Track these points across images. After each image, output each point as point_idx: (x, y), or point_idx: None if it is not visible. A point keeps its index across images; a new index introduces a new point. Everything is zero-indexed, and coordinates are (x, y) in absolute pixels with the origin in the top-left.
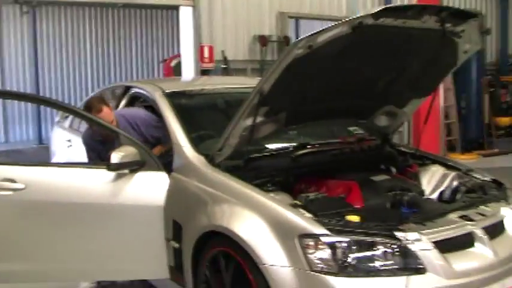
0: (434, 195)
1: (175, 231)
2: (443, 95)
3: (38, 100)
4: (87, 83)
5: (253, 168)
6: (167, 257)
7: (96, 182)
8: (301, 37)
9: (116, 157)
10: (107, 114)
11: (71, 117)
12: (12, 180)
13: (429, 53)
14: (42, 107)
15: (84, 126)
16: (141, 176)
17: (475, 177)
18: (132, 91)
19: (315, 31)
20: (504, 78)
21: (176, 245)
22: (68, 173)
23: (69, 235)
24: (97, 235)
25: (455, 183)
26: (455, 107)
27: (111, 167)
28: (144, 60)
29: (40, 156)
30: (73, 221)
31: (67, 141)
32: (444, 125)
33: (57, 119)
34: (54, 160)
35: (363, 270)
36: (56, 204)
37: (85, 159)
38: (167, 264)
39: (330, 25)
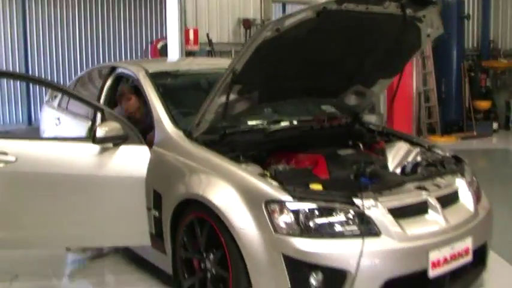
0: (398, 169)
1: (156, 200)
2: (424, 78)
3: (33, 80)
4: (76, 64)
5: (228, 143)
6: (148, 225)
7: (83, 155)
8: (270, 21)
9: (100, 131)
10: (134, 103)
11: (59, 96)
12: (4, 153)
13: (393, 36)
14: (31, 88)
15: (72, 105)
16: (124, 149)
17: (437, 153)
18: (118, 71)
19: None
20: (484, 63)
21: (156, 213)
22: (56, 146)
23: (57, 204)
24: (83, 204)
25: (418, 158)
26: (436, 90)
27: (96, 141)
28: (131, 42)
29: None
30: (61, 191)
31: (56, 120)
32: (425, 108)
33: (46, 98)
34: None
35: (323, 232)
36: (45, 175)
37: (73, 135)
38: (148, 231)
39: None
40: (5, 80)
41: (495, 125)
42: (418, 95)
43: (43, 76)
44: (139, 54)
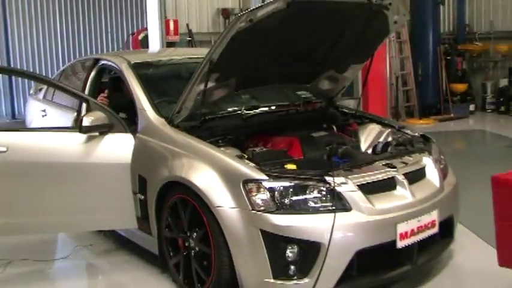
0: (370, 149)
1: (141, 184)
2: (402, 62)
3: (23, 74)
4: (58, 55)
5: (208, 128)
6: (134, 208)
7: (70, 144)
8: (243, 12)
9: (87, 121)
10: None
11: (44, 89)
12: None
13: (362, 23)
14: (14, 82)
15: (57, 97)
16: (110, 137)
17: (406, 133)
18: (101, 63)
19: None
20: (460, 47)
21: (142, 197)
22: (45, 136)
23: (47, 192)
24: (72, 191)
25: (389, 138)
26: (413, 74)
27: (82, 130)
28: (112, 34)
29: None
30: (51, 179)
31: (41, 111)
32: (402, 91)
33: (31, 91)
34: None
35: (297, 208)
36: (35, 164)
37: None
38: (135, 215)
39: None
40: None
41: (472, 107)
42: (395, 79)
43: (24, 67)
44: (120, 45)
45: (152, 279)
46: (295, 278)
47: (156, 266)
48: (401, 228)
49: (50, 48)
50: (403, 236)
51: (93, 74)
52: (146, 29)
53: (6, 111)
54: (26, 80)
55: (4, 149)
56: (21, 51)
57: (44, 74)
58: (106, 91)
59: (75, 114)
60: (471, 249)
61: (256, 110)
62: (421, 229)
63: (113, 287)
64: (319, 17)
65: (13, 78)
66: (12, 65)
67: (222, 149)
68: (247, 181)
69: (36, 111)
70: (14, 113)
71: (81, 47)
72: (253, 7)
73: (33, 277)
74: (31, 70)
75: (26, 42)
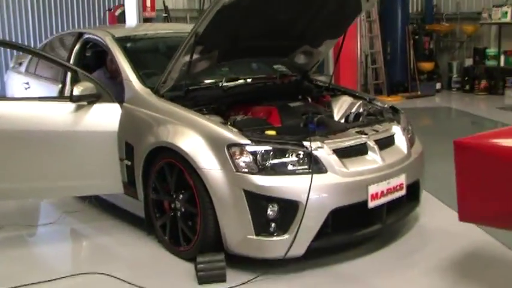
0: (343, 119)
1: (128, 151)
2: (371, 41)
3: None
4: (29, 31)
5: (192, 98)
6: (121, 174)
7: (59, 113)
8: None
9: (76, 90)
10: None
11: (26, 62)
12: None
13: (336, 1)
14: None
15: (40, 69)
16: (98, 107)
17: (377, 105)
18: (85, 37)
19: None
20: (428, 27)
21: (129, 163)
22: (36, 105)
23: (37, 158)
24: (61, 158)
25: (360, 109)
26: (382, 53)
27: (73, 99)
28: (86, 10)
29: None
30: (41, 146)
31: (24, 84)
32: (371, 69)
33: (11, 65)
34: None
35: (277, 170)
36: (26, 132)
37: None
38: (121, 180)
39: None
40: None
41: (438, 85)
42: (365, 58)
43: None
44: (97, 21)
45: (139, 241)
46: (276, 234)
47: (142, 229)
48: (372, 189)
49: (26, 24)
50: (374, 196)
51: (77, 47)
52: (123, 5)
53: None
54: (2, 56)
55: None
56: None
57: (16, 51)
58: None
59: (60, 85)
60: (435, 213)
61: (236, 82)
62: (390, 191)
63: (99, 250)
64: None
65: None
66: None
67: (206, 116)
68: (231, 145)
69: (17, 84)
70: None
71: (58, 23)
72: None
73: (21, 241)
74: (2, 50)
75: None
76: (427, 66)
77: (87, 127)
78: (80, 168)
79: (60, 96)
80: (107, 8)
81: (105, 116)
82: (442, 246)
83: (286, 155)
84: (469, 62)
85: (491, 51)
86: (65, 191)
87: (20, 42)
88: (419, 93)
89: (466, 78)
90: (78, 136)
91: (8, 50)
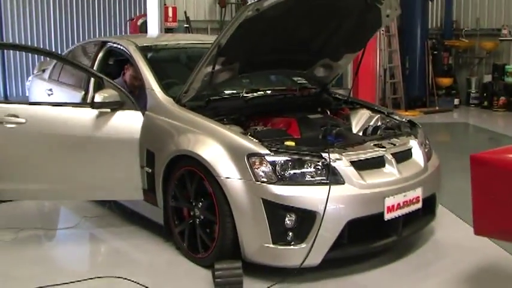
0: (361, 132)
1: (149, 158)
2: (390, 55)
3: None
4: (51, 38)
5: (213, 108)
6: (141, 181)
7: (83, 119)
8: (251, 1)
9: (98, 97)
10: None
11: (49, 68)
12: (16, 116)
13: (357, 16)
14: (6, 64)
15: (63, 76)
16: (120, 114)
17: (395, 119)
18: (108, 45)
19: None
20: (447, 42)
21: (149, 170)
22: (60, 110)
23: (61, 161)
24: (84, 162)
25: (378, 122)
26: (400, 67)
27: (94, 105)
28: (110, 20)
29: None
30: (65, 150)
31: (48, 91)
32: (390, 84)
33: (35, 71)
34: None
35: (296, 180)
36: (51, 136)
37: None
38: (141, 187)
39: None
40: None
41: (456, 101)
42: (383, 72)
43: (18, 52)
44: (118, 31)
45: (157, 247)
46: (293, 243)
47: (161, 235)
48: (389, 201)
49: (44, 33)
50: (390, 209)
51: (100, 56)
52: (145, 15)
53: None
54: (19, 62)
55: (23, 120)
56: (15, 34)
57: (37, 57)
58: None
59: (83, 92)
60: (450, 227)
61: (257, 93)
62: (406, 204)
63: (118, 255)
64: (319, 9)
65: (5, 60)
66: (5, 52)
67: (227, 126)
68: (251, 155)
69: (41, 90)
70: (7, 95)
71: (79, 32)
72: None
73: (40, 244)
74: (24, 53)
75: (20, 25)
76: (446, 81)
77: (110, 133)
78: (101, 173)
79: (83, 103)
80: (128, 18)
81: (128, 123)
82: (456, 260)
83: (305, 166)
84: (487, 78)
85: (511, 67)
86: (86, 194)
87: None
88: (437, 108)
89: (485, 94)
90: (100, 141)
91: (30, 56)
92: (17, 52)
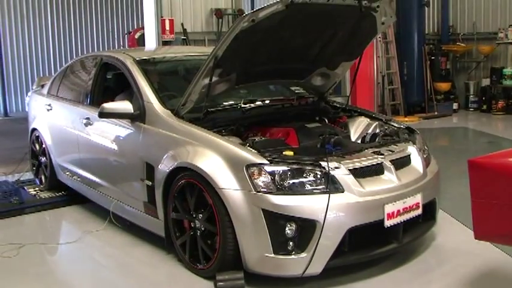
0: (360, 140)
1: (148, 171)
2: (388, 62)
3: None
4: (49, 54)
5: (211, 119)
6: (142, 194)
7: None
8: (246, 13)
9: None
10: None
11: (48, 85)
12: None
13: (352, 24)
14: (6, 81)
15: (61, 91)
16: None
17: (393, 125)
18: (105, 60)
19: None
20: (444, 47)
21: (149, 183)
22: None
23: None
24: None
25: (376, 130)
26: (398, 73)
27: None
28: (108, 33)
29: (7, 127)
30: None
31: (47, 106)
32: (388, 90)
33: (34, 87)
34: (35, 123)
35: (295, 190)
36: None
37: (65, 118)
38: (142, 200)
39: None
40: None
41: (455, 106)
42: (382, 78)
43: (17, 65)
44: (116, 44)
45: (159, 260)
46: (294, 252)
47: (162, 248)
48: (389, 208)
49: (42, 46)
50: (390, 215)
51: (98, 70)
52: (143, 28)
53: None
54: (18, 78)
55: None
56: (13, 50)
57: (36, 73)
58: None
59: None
60: (451, 232)
61: (255, 104)
62: (406, 210)
63: (120, 268)
64: (314, 18)
65: (5, 77)
66: (4, 64)
67: (225, 137)
68: (250, 165)
69: (40, 105)
70: (7, 111)
71: (78, 46)
72: (254, 9)
73: (44, 258)
74: (23, 69)
75: (18, 41)
76: (444, 86)
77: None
78: None
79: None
80: (126, 31)
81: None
82: (458, 265)
83: (304, 175)
84: (486, 82)
85: (508, 70)
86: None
87: (40, 64)
88: (436, 113)
89: (483, 98)
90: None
91: (30, 72)
92: (16, 68)
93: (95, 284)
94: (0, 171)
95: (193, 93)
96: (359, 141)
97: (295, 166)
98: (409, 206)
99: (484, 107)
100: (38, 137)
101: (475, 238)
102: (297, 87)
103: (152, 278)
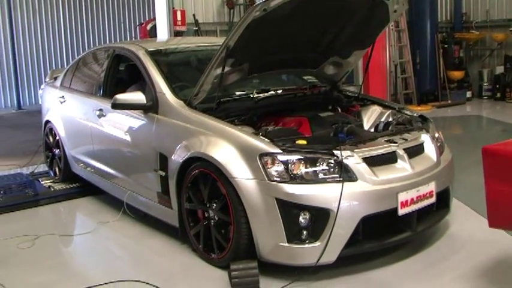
0: (372, 128)
1: (162, 162)
2: (400, 50)
3: None
4: (62, 46)
5: (223, 110)
6: (155, 184)
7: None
8: (258, 2)
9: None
10: None
11: (60, 77)
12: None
13: (364, 12)
14: (19, 74)
15: (74, 83)
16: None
17: (406, 114)
18: (117, 51)
19: None
20: (457, 35)
21: (163, 174)
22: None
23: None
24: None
25: (389, 118)
26: (411, 62)
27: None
28: (117, 24)
29: (20, 120)
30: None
31: (60, 98)
32: (401, 79)
33: (47, 80)
34: (48, 116)
35: (309, 179)
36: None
37: (78, 110)
38: (155, 190)
39: None
40: None
41: (469, 94)
42: (394, 67)
43: (29, 59)
44: (128, 36)
45: (173, 250)
46: (307, 241)
47: (176, 238)
48: (402, 197)
49: (54, 39)
50: (404, 204)
51: (110, 61)
52: (154, 19)
53: (12, 103)
54: (31, 71)
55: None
56: (26, 43)
57: (48, 65)
58: None
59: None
60: (465, 220)
61: (267, 93)
62: (420, 198)
63: (134, 259)
64: (326, 7)
65: (18, 70)
66: (17, 58)
67: (238, 127)
68: (263, 155)
69: (53, 98)
70: (20, 104)
71: (89, 38)
72: None
73: (59, 249)
74: (35, 61)
75: (31, 34)
76: (457, 74)
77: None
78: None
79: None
80: (138, 23)
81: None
82: (472, 253)
83: (317, 164)
84: (500, 69)
85: None
86: None
87: (52, 56)
88: (449, 102)
89: (497, 86)
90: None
91: (42, 65)
92: (29, 61)
93: (109, 275)
94: (15, 164)
95: (206, 83)
96: (372, 130)
97: (308, 155)
98: (423, 195)
99: (498, 95)
100: (51, 129)
101: (490, 226)
102: (310, 77)
103: (166, 268)
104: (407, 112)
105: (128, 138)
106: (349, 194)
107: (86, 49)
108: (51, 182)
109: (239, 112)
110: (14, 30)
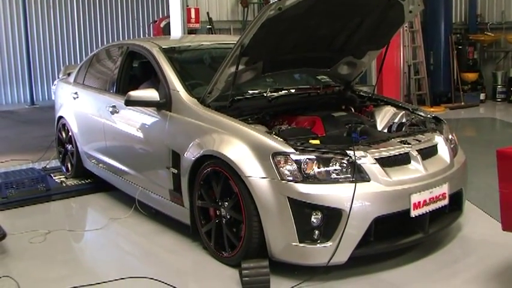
0: (386, 129)
1: (174, 159)
2: (414, 51)
3: None
4: (75, 42)
5: (237, 108)
6: (167, 182)
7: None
8: (273, 1)
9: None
10: None
11: (74, 73)
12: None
13: (379, 12)
14: (32, 70)
15: (88, 79)
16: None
17: (419, 115)
18: (131, 48)
19: None
20: (472, 37)
21: (175, 171)
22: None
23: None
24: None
25: (403, 119)
26: (425, 63)
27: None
28: (130, 22)
29: (34, 115)
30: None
31: (73, 94)
32: (414, 80)
33: (60, 76)
34: (61, 111)
35: (321, 179)
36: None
37: (91, 106)
38: (167, 188)
39: None
40: (7, 61)
41: (482, 96)
42: (408, 68)
43: (43, 54)
44: (141, 33)
45: (184, 247)
46: (319, 241)
47: (187, 235)
48: (415, 198)
49: (68, 35)
50: (416, 205)
51: (124, 58)
52: (168, 17)
53: (25, 98)
54: (44, 67)
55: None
56: (39, 38)
57: (62, 62)
58: None
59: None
60: (478, 223)
61: (281, 92)
62: (432, 200)
63: (145, 255)
64: (341, 6)
65: (31, 65)
66: (30, 54)
67: (251, 125)
68: (276, 154)
69: (67, 94)
70: (33, 99)
71: (103, 34)
72: None
73: (71, 245)
74: (49, 57)
75: (44, 30)
76: (471, 76)
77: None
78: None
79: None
80: (151, 20)
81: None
82: (484, 256)
83: (330, 164)
84: None
85: None
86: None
87: (65, 52)
88: (463, 103)
89: (511, 88)
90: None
91: (56, 61)
92: (43, 57)
93: (120, 271)
94: (27, 159)
95: (220, 81)
96: (385, 131)
97: (321, 155)
98: (436, 196)
99: None
100: (64, 125)
101: (503, 229)
102: (323, 76)
103: (177, 266)
104: (421, 113)
105: (140, 135)
106: (361, 194)
107: (100, 46)
108: (63, 178)
109: (252, 111)
110: (28, 26)
